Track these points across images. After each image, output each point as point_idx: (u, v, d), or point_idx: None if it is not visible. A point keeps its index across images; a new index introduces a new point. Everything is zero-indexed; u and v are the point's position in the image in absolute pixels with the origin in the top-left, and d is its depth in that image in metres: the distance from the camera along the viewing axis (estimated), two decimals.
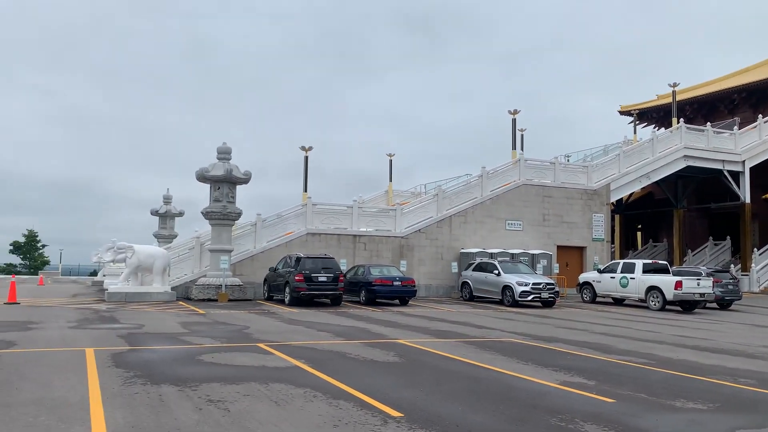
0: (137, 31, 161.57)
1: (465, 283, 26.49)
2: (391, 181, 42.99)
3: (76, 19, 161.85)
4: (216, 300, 22.99)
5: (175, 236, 39.51)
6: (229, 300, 23.15)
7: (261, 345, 11.51)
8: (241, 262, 25.93)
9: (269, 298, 24.10)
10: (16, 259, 72.67)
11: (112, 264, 27.66)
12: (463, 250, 29.30)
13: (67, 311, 18.11)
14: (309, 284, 21.01)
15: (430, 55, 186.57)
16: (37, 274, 63.49)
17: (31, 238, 73.00)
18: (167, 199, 39.58)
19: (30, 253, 72.48)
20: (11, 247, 72.23)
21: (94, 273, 66.17)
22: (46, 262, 73.36)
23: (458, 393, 7.71)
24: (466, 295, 26.37)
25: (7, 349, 10.36)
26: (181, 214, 40.04)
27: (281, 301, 22.67)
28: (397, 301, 23.20)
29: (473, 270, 26.30)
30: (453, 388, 7.99)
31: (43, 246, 73.98)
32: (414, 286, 22.98)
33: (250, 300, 23.86)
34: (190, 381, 7.94)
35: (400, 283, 22.49)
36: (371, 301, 22.65)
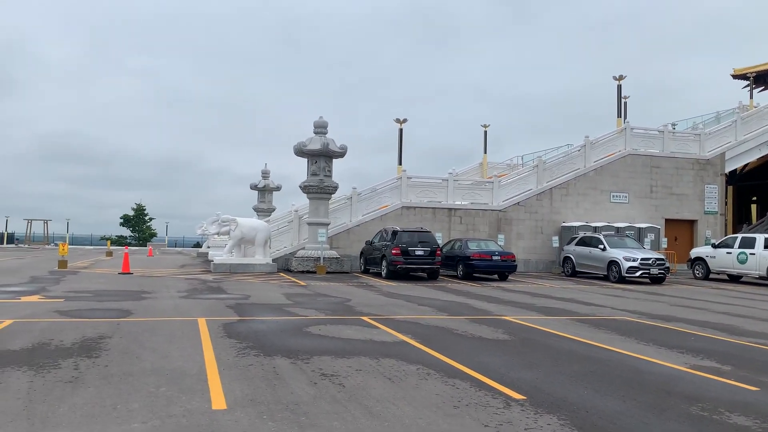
0: (229, 11, 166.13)
1: (567, 258, 25.51)
2: (485, 152, 42.01)
3: (172, 3, 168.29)
4: (314, 272, 23.31)
5: (273, 210, 40.56)
6: (327, 272, 23.41)
7: (365, 318, 11.40)
8: (337, 235, 26.15)
9: (365, 271, 24.17)
10: (126, 232, 77.42)
11: (216, 236, 28.65)
12: (564, 224, 28.21)
13: (176, 281, 18.86)
14: (406, 258, 20.83)
15: (520, 25, 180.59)
16: (145, 246, 67.39)
17: (140, 211, 77.37)
18: (265, 174, 40.60)
19: (138, 225, 76.91)
20: (121, 220, 76.95)
21: (198, 245, 69.41)
22: (154, 234, 77.71)
23: (580, 375, 7.21)
24: (567, 271, 25.40)
25: (125, 317, 10.77)
26: (278, 188, 40.98)
27: (378, 275, 22.66)
28: (495, 277, 22.64)
29: (576, 244, 25.26)
30: (573, 370, 7.49)
31: (151, 219, 78.33)
32: (514, 260, 22.31)
33: (347, 273, 24.04)
34: (301, 353, 7.88)
35: (499, 257, 21.89)
36: (469, 276, 22.21)
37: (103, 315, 11.00)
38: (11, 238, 68.99)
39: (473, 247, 22.47)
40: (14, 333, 8.87)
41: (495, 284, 20.45)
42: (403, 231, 21.64)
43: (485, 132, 42.60)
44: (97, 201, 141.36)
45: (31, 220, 68.27)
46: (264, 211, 39.87)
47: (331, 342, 8.84)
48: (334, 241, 25.84)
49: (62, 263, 23.76)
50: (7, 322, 9.89)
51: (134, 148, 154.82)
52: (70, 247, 52.43)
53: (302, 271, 23.58)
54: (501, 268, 21.97)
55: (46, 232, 70.50)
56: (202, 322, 10.33)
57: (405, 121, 35.89)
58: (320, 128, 24.70)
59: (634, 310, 14.19)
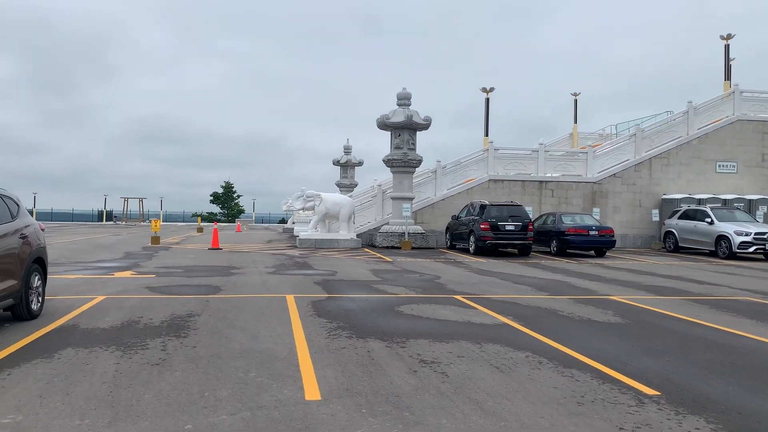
0: None
1: (669, 233, 23.77)
2: (575, 122, 39.98)
3: None
4: (399, 248, 22.80)
5: (356, 185, 40.34)
6: (412, 248, 22.85)
7: (458, 297, 10.71)
8: (421, 209, 25.49)
9: (452, 247, 23.43)
10: (215, 208, 79.90)
11: (301, 212, 28.67)
12: (665, 196, 26.32)
13: (263, 257, 18.81)
14: (495, 233, 19.91)
15: None
16: (233, 222, 69.31)
17: (228, 189, 79.56)
18: (347, 149, 40.36)
19: (227, 202, 79.18)
20: (211, 198, 79.44)
21: (283, 221, 70.72)
22: (242, 211, 79.78)
23: (717, 366, 6.25)
24: (669, 246, 23.69)
25: (214, 294, 10.57)
26: (360, 163, 40.68)
27: (465, 250, 21.88)
28: (591, 253, 21.35)
29: (679, 218, 23.47)
30: (705, 359, 6.53)
31: (239, 196, 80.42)
32: (612, 236, 20.91)
33: (432, 248, 23.39)
34: (395, 336, 7.30)
35: (596, 232, 20.57)
36: (562, 252, 21.04)
37: (192, 291, 10.85)
38: (109, 216, 72.67)
39: (568, 221, 21.23)
40: (105, 310, 8.77)
41: (592, 261, 19.22)
42: (492, 205, 20.68)
43: (575, 101, 40.53)
44: (189, 179, 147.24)
45: (128, 198, 71.55)
46: (346, 186, 39.71)
47: (426, 323, 8.22)
48: (418, 216, 25.20)
49: (155, 239, 24.37)
50: (100, 298, 9.87)
51: (222, 128, 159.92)
52: (162, 223, 54.51)
53: (387, 247, 23.12)
54: (599, 244, 20.64)
55: (141, 209, 73.78)
56: (290, 299, 9.97)
57: (492, 90, 34.49)
58: (403, 100, 23.93)
59: (756, 289, 12.78)
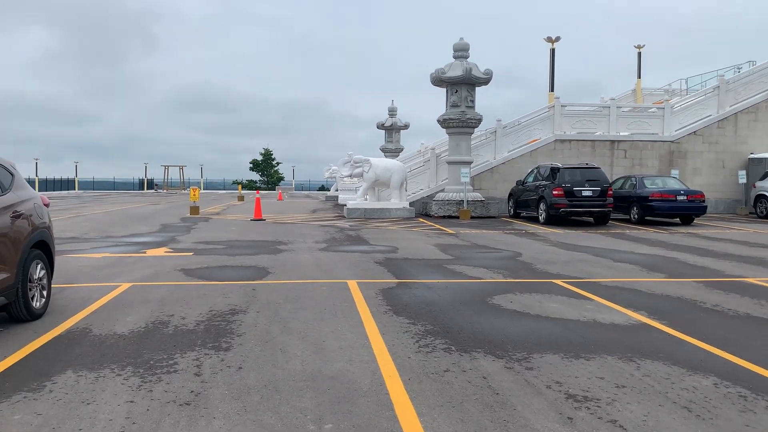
0: None
1: (761, 197, 21.14)
2: (639, 77, 36.83)
3: None
4: (457, 217, 20.76)
5: (401, 149, 38.24)
6: (471, 217, 20.78)
7: (558, 282, 8.67)
8: (480, 175, 23.34)
9: (515, 215, 21.26)
10: (255, 176, 78.82)
11: (348, 179, 26.76)
12: (752, 156, 23.55)
13: (311, 229, 17.02)
14: (570, 200, 17.66)
15: None
16: (273, 189, 68.12)
17: (267, 156, 78.24)
18: (392, 112, 38.15)
19: (267, 170, 77.92)
20: (251, 165, 78.28)
21: (323, 188, 69.16)
22: (281, 178, 78.52)
23: None
24: (762, 212, 21.08)
25: (260, 279, 8.76)
26: (406, 126, 38.49)
27: (532, 219, 19.71)
28: (676, 220, 18.94)
29: None
30: None
31: (278, 163, 79.06)
32: (703, 200, 18.41)
33: (493, 217, 21.27)
34: (509, 347, 5.34)
35: (685, 197, 18.12)
36: (643, 220, 18.68)
37: (235, 275, 9.07)
38: (150, 184, 72.25)
39: (651, 185, 18.81)
40: (128, 304, 7.03)
41: (682, 230, 16.85)
42: (566, 168, 18.36)
43: (639, 53, 37.30)
44: (229, 147, 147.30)
45: (168, 166, 70.95)
46: (392, 151, 37.60)
47: (539, 324, 6.22)
48: (476, 181, 23.04)
49: (194, 209, 22.84)
50: (125, 286, 8.15)
51: (262, 95, 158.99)
52: (202, 191, 53.50)
53: (443, 216, 21.09)
54: (688, 210, 18.20)
55: (182, 177, 73.18)
56: (353, 287, 8.08)
57: (558, 39, 31.44)
58: (461, 51, 21.50)
59: None
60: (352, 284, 8.33)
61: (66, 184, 65.01)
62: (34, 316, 6.11)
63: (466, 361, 4.94)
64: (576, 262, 10.74)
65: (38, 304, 6.25)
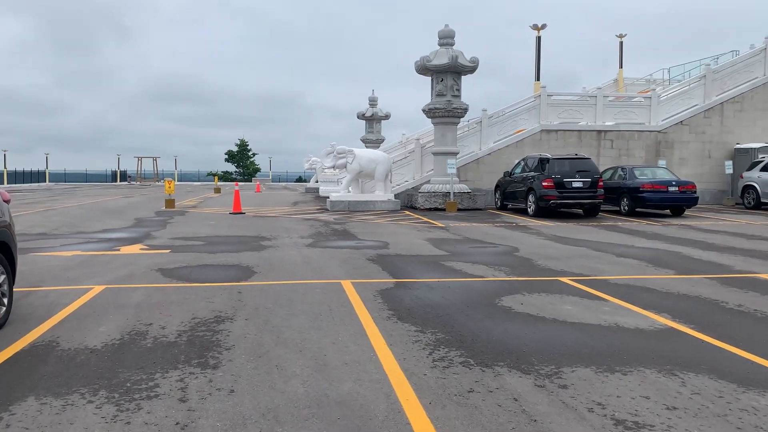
0: None
1: (749, 187, 20.93)
2: (621, 67, 36.59)
3: None
4: (443, 209, 20.22)
5: (383, 140, 37.59)
6: (458, 209, 20.25)
7: (566, 280, 8.15)
8: (465, 166, 22.83)
9: (503, 207, 20.79)
10: (231, 167, 77.54)
11: (331, 170, 26.02)
12: (738, 146, 23.39)
13: (294, 223, 16.33)
14: (561, 191, 17.20)
15: None
16: (250, 181, 67.01)
17: (243, 147, 76.98)
18: (372, 102, 37.44)
19: (242, 161, 76.68)
20: (226, 156, 76.98)
21: (300, 179, 68.27)
22: (257, 170, 77.33)
23: None
24: (749, 202, 20.88)
25: (246, 280, 8.09)
26: (387, 116, 37.83)
27: (520, 211, 19.25)
28: (666, 212, 18.62)
29: (761, 170, 20.57)
30: None
31: (254, 154, 77.85)
32: (695, 191, 18.08)
33: (480, 209, 20.76)
34: (534, 359, 4.77)
35: (677, 188, 17.78)
36: (633, 211, 18.32)
37: (218, 275, 8.39)
38: (123, 176, 70.62)
39: (641, 175, 18.44)
40: (101, 311, 6.32)
41: (675, 222, 16.51)
42: (555, 158, 17.89)
43: (621, 43, 37.08)
44: (203, 138, 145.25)
45: (141, 157, 69.35)
46: (373, 141, 36.91)
47: (559, 331, 5.67)
48: (461, 172, 22.51)
49: (169, 202, 21.98)
50: (97, 289, 7.43)
51: (237, 86, 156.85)
52: (177, 183, 52.20)
53: (429, 209, 20.52)
54: (680, 202, 17.86)
55: (155, 169, 71.61)
56: (349, 288, 7.46)
57: (543, 27, 30.85)
58: (446, 38, 20.89)
59: None
60: (347, 285, 7.71)
61: (37, 176, 63.16)
62: None
63: (490, 379, 4.36)
64: (577, 257, 10.24)
65: None
